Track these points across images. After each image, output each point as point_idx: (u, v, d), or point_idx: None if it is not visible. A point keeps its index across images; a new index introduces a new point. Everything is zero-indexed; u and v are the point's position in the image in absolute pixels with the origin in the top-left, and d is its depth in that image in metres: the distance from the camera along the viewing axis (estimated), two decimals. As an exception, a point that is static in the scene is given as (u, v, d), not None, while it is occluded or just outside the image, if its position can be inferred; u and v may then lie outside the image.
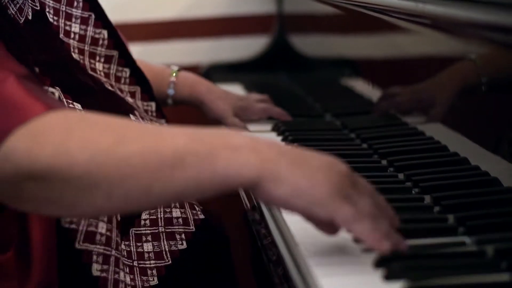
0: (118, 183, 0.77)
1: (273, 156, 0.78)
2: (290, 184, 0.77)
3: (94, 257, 0.96)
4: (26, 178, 0.78)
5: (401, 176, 1.09)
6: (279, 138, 1.35)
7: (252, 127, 1.41)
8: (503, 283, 0.76)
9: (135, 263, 1.01)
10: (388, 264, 0.78)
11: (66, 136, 0.78)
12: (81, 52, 1.13)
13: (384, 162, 1.16)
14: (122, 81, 1.19)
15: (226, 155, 0.77)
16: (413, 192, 1.03)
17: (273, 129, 1.41)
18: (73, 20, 1.12)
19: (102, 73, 1.15)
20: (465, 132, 1.07)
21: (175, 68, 1.46)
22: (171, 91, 1.44)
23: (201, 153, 0.78)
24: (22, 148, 0.78)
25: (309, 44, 1.89)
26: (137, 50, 1.99)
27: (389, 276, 0.76)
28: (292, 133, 1.34)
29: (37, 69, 0.96)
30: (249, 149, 0.78)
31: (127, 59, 1.20)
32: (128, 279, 0.99)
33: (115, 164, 0.77)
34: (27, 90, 0.82)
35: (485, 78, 0.98)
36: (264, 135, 1.38)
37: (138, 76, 1.22)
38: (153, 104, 1.24)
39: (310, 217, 0.79)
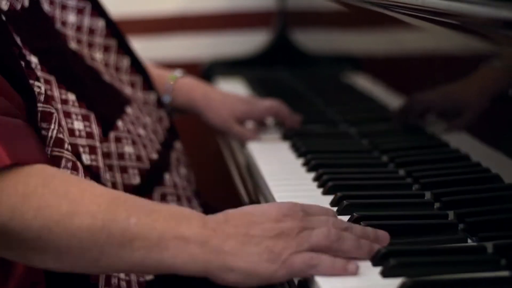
0: (66, 252, 0.81)
1: (219, 243, 0.78)
2: (240, 272, 0.78)
3: None
4: None
5: (401, 172, 1.08)
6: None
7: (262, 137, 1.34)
8: (502, 279, 0.75)
9: None
10: (386, 261, 0.77)
11: (22, 201, 0.80)
12: (79, 42, 1.12)
13: (384, 158, 1.15)
14: (123, 70, 1.18)
15: (174, 247, 0.79)
16: (413, 188, 1.02)
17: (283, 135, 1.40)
18: (69, 10, 1.12)
19: (102, 63, 1.14)
20: (467, 129, 1.06)
21: (177, 73, 1.37)
22: (166, 98, 1.34)
23: (149, 240, 0.79)
24: None
25: (311, 40, 1.88)
26: (138, 45, 1.99)
27: (386, 273, 0.76)
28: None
29: (36, 58, 0.95)
30: (196, 242, 0.79)
31: (126, 48, 1.19)
32: (122, 274, 0.98)
33: (64, 235, 0.80)
34: None
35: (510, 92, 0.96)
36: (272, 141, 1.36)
37: (138, 66, 1.20)
38: (153, 94, 1.23)
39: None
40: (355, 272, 0.77)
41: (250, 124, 1.36)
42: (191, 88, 1.36)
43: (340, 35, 1.62)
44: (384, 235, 0.82)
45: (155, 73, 1.36)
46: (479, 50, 0.98)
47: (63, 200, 0.81)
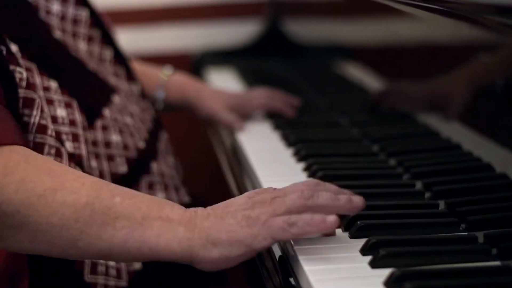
0: (44, 229, 0.78)
1: (200, 221, 0.79)
2: (223, 244, 0.77)
3: None
4: None
5: (392, 161, 1.07)
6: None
7: (248, 125, 1.34)
8: (494, 269, 0.74)
9: None
10: (375, 251, 0.76)
11: (5, 173, 0.79)
12: (64, 31, 1.11)
13: (375, 147, 1.14)
14: (107, 61, 1.17)
15: (158, 226, 0.78)
16: (404, 177, 1.01)
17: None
18: (54, 0, 1.10)
19: (86, 53, 1.13)
20: (458, 118, 1.05)
21: (168, 71, 1.42)
22: (160, 94, 1.38)
23: (134, 219, 0.78)
24: None
25: (302, 30, 1.87)
26: (129, 35, 1.98)
27: (375, 264, 0.75)
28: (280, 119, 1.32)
29: (16, 46, 0.93)
30: (180, 222, 0.78)
31: (109, 39, 1.18)
32: (112, 262, 0.97)
33: (45, 211, 0.78)
34: None
35: (500, 79, 0.95)
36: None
37: (120, 57, 1.20)
38: (136, 85, 1.22)
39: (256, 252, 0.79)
40: (334, 224, 0.77)
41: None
42: (184, 84, 1.41)
43: (331, 25, 1.60)
44: (359, 198, 0.82)
45: (145, 70, 1.40)
46: (471, 38, 0.97)
47: (46, 176, 0.80)
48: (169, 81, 1.39)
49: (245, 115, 1.36)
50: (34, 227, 0.78)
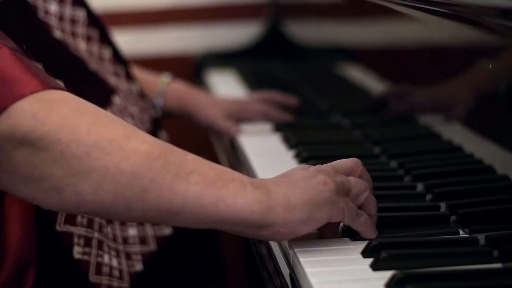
0: (113, 176, 0.74)
1: (274, 187, 0.77)
2: (305, 205, 0.76)
3: (75, 239, 0.93)
4: (21, 141, 0.73)
5: (393, 163, 1.07)
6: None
7: (249, 127, 1.35)
8: (495, 271, 0.74)
9: (121, 247, 0.99)
10: (377, 253, 0.76)
11: (77, 114, 0.75)
12: (63, 31, 1.11)
13: (376, 149, 1.14)
14: (106, 60, 1.18)
15: (234, 187, 0.76)
16: (405, 179, 1.01)
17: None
18: (51, 0, 1.11)
19: (86, 53, 1.13)
20: (459, 120, 1.05)
21: (166, 78, 1.42)
22: (158, 102, 1.38)
23: (207, 175, 0.76)
24: (29, 109, 0.73)
25: (303, 31, 1.87)
26: (130, 37, 1.98)
27: (377, 266, 0.75)
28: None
29: (23, 46, 0.93)
30: (254, 186, 0.77)
31: (107, 38, 1.18)
32: (115, 263, 0.97)
33: (117, 156, 0.74)
34: (23, 64, 0.78)
35: (502, 81, 0.95)
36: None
37: (119, 56, 1.20)
38: (135, 85, 1.22)
39: (326, 223, 0.79)
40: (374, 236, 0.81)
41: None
42: (182, 93, 1.41)
43: (332, 27, 1.60)
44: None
45: (143, 77, 1.40)
46: (473, 41, 0.97)
47: (119, 124, 0.77)
48: (167, 89, 1.40)
49: (243, 121, 1.36)
50: (102, 173, 0.73)
